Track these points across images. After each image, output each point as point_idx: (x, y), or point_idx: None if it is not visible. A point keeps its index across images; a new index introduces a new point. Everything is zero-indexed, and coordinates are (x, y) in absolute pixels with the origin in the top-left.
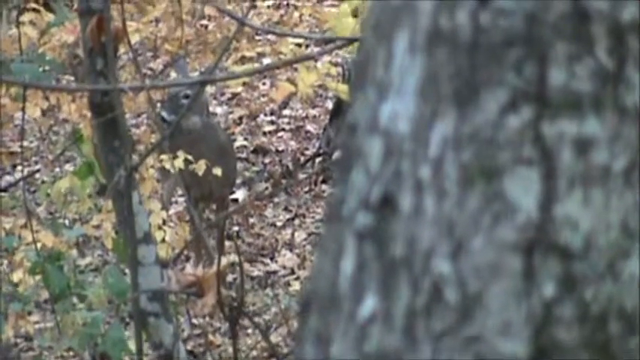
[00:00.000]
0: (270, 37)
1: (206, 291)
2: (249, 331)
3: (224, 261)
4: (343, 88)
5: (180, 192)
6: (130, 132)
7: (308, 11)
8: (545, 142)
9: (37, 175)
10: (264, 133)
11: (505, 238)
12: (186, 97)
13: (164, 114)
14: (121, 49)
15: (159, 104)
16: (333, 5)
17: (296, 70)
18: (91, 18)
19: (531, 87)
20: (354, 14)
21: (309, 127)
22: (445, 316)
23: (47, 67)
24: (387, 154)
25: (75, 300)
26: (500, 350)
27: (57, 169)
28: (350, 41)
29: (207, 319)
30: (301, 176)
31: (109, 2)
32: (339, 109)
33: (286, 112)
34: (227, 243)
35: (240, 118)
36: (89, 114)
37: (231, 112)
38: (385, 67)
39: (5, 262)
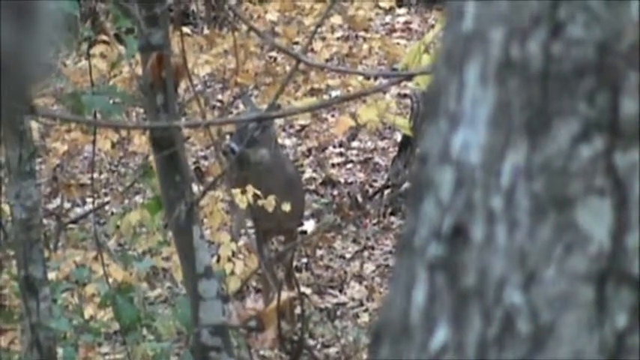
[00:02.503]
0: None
1: (267, 325)
2: None
3: (290, 294)
4: (403, 122)
5: (249, 224)
6: (198, 164)
7: (377, 44)
8: (618, 172)
9: (107, 208)
10: (333, 165)
11: (577, 268)
12: (255, 129)
13: (233, 145)
14: (185, 84)
15: (228, 136)
16: (401, 37)
17: (364, 102)
18: (152, 54)
19: (603, 117)
20: (426, 50)
21: (378, 159)
22: (517, 347)
23: (117, 100)
24: (459, 185)
25: (144, 331)
26: None
27: (126, 202)
28: (412, 75)
29: (272, 352)
30: (369, 208)
31: (169, 38)
32: (408, 141)
33: (355, 144)
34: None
35: (309, 150)
36: None
37: (299, 144)
38: (457, 97)
39: (76, 294)
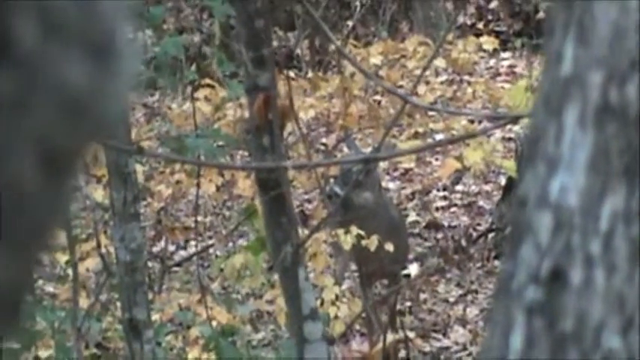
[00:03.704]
0: (443, 113)
1: None
2: None
3: (392, 337)
4: (510, 165)
5: (352, 267)
6: (301, 207)
7: (481, 87)
8: None
9: (211, 250)
10: (437, 209)
11: None
12: (359, 172)
13: (337, 189)
14: (291, 126)
15: (332, 180)
16: (506, 81)
17: (468, 145)
18: (258, 95)
19: None
20: (529, 90)
21: (482, 202)
22: None
23: (221, 142)
24: (557, 228)
25: None
26: None
27: (230, 245)
28: (518, 117)
29: None
30: (473, 252)
31: (276, 80)
32: (512, 184)
33: (459, 187)
34: (398, 319)
35: (413, 193)
36: None
37: (403, 188)
38: (555, 141)
39: (180, 337)
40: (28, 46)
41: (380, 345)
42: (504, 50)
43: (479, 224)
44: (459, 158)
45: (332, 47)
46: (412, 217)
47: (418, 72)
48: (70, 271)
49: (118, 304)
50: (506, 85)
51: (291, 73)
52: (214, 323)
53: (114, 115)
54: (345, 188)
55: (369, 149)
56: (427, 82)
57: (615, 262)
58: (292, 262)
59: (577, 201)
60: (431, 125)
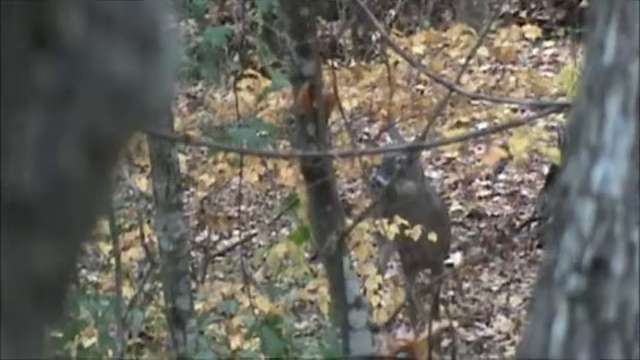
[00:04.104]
0: (485, 102)
1: (418, 356)
2: None
3: (437, 326)
4: (555, 153)
5: (395, 256)
6: (344, 197)
7: (524, 76)
8: None
9: (254, 240)
10: (480, 198)
11: None
12: (401, 161)
13: (380, 178)
14: (334, 115)
15: (375, 169)
16: (549, 70)
17: (510, 134)
18: (303, 84)
19: None
20: (575, 76)
21: (525, 191)
22: None
23: (264, 132)
24: (599, 217)
25: None
26: None
27: (273, 234)
28: (562, 106)
29: None
30: (516, 241)
31: (320, 69)
32: (555, 173)
33: (502, 176)
34: (442, 308)
35: (456, 182)
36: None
37: (446, 177)
38: (598, 130)
39: (224, 326)
40: (75, 38)
41: (425, 334)
42: (547, 39)
43: (522, 213)
44: (504, 147)
45: (375, 37)
46: (455, 206)
47: (461, 61)
48: (113, 261)
49: (162, 293)
50: (549, 74)
51: (335, 63)
52: (257, 312)
53: (158, 105)
54: (388, 178)
55: (412, 139)
56: (470, 72)
57: None
58: (337, 250)
59: (619, 190)
60: (474, 114)
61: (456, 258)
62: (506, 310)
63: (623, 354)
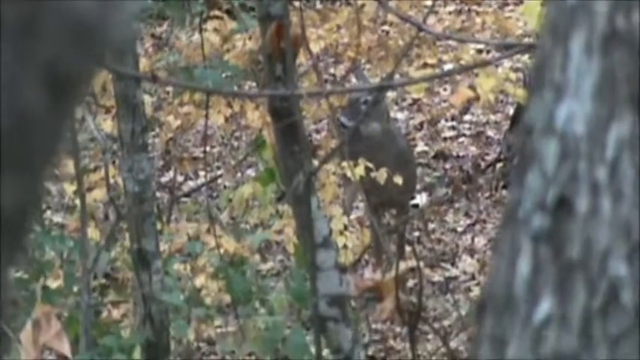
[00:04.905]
0: (451, 43)
1: (385, 296)
2: (430, 336)
3: (403, 266)
4: (522, 94)
5: (361, 197)
6: (310, 138)
7: (490, 18)
8: None
9: (220, 181)
10: (445, 139)
11: None
12: (367, 103)
13: (344, 120)
14: (302, 56)
15: (339, 110)
16: (514, 11)
17: (477, 75)
18: (271, 24)
19: None
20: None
21: (490, 132)
22: (622, 319)
23: (230, 74)
24: (563, 156)
25: (257, 305)
26: None
27: (239, 175)
28: (528, 47)
29: (387, 324)
30: (482, 182)
31: (288, 9)
32: (520, 114)
33: (467, 117)
34: (407, 248)
35: (421, 123)
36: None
37: (411, 118)
38: (561, 68)
39: (189, 267)
40: None
41: (391, 274)
42: None
43: (487, 154)
44: (471, 87)
45: None
46: (420, 147)
47: (427, 3)
48: (78, 202)
49: (127, 234)
50: (514, 16)
51: (301, 5)
52: (222, 252)
53: (120, 43)
54: (352, 119)
55: (378, 80)
56: (435, 13)
57: (621, 189)
58: (305, 190)
59: (583, 128)
60: (440, 56)
61: (421, 199)
62: (471, 251)
63: (586, 292)
